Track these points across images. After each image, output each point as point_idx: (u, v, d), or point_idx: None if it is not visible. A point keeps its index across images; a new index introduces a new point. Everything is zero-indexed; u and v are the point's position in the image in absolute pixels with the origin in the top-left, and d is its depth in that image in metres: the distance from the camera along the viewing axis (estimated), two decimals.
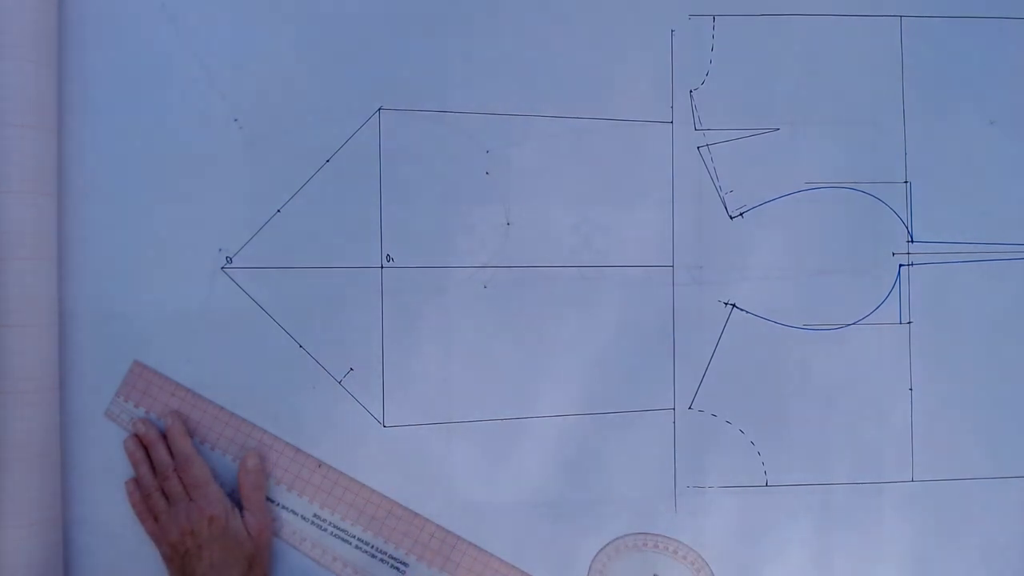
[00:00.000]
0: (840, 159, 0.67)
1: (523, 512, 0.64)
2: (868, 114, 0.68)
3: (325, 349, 0.62)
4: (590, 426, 0.65)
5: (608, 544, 0.65)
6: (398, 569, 0.63)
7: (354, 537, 0.63)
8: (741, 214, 0.67)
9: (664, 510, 0.66)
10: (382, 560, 0.63)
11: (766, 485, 0.67)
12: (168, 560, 0.59)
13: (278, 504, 0.62)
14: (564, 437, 0.65)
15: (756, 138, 0.67)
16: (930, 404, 0.68)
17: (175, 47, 0.61)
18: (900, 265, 0.68)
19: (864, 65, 0.68)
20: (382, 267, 0.63)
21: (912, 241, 0.68)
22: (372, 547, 0.63)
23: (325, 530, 0.62)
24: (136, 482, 0.60)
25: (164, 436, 0.60)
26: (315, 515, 0.62)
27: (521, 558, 0.64)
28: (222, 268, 0.61)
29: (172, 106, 0.61)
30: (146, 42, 0.61)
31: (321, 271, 0.62)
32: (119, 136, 0.60)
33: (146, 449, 0.60)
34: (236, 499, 0.61)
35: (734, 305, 0.67)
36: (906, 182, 0.68)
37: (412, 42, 0.63)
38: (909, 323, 0.68)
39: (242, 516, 0.60)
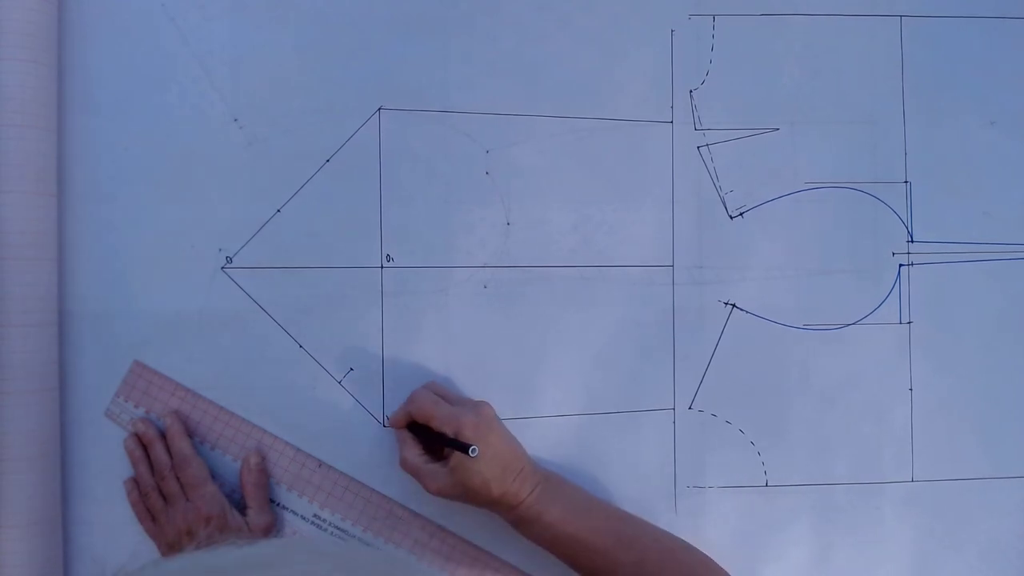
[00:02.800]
0: (840, 159, 0.67)
1: None
2: (868, 114, 0.68)
3: (325, 349, 0.62)
4: (590, 426, 0.65)
5: None
6: None
7: (354, 537, 0.63)
8: (741, 214, 0.67)
9: (664, 510, 0.66)
10: None
11: (766, 485, 0.67)
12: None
13: (278, 504, 0.62)
14: (564, 437, 0.65)
15: (756, 138, 0.67)
16: (930, 404, 0.68)
17: (175, 47, 0.61)
18: (900, 265, 0.68)
19: (864, 65, 0.68)
20: (382, 267, 0.63)
21: (912, 241, 0.68)
22: (372, 547, 0.63)
23: (325, 530, 0.62)
24: (135, 481, 0.60)
25: (164, 436, 0.60)
26: (315, 515, 0.62)
27: (521, 558, 0.64)
28: (222, 268, 0.61)
29: (172, 106, 0.61)
30: (146, 42, 0.61)
31: (321, 271, 0.62)
32: (119, 136, 0.60)
33: (145, 448, 0.60)
34: (237, 499, 0.61)
35: (734, 305, 0.67)
36: (906, 182, 0.68)
37: (412, 42, 0.63)
38: (909, 323, 0.68)
39: (245, 515, 0.60)
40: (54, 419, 0.59)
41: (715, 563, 0.57)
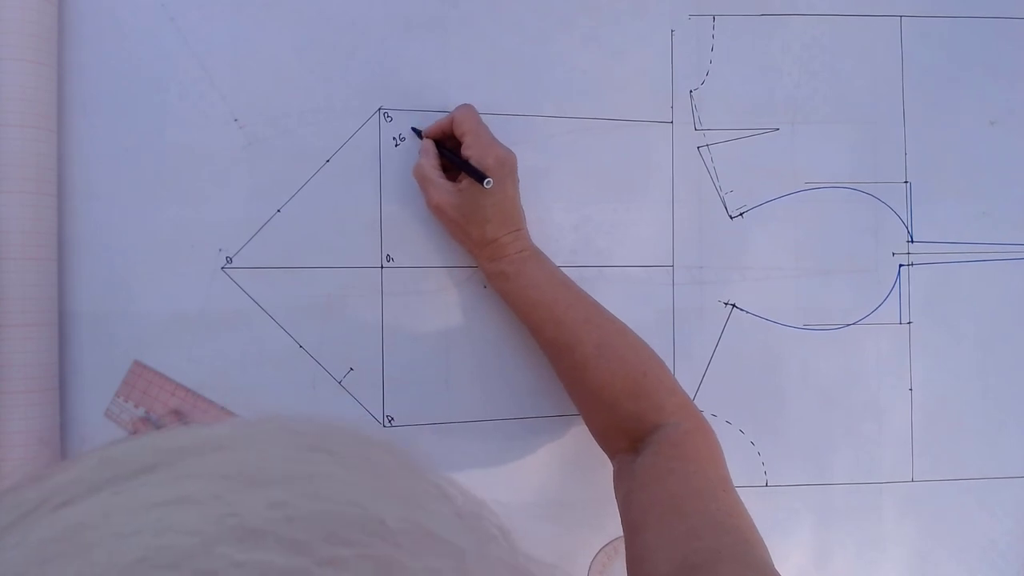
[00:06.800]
0: (840, 159, 0.67)
1: (523, 512, 0.64)
2: (868, 114, 0.68)
3: (325, 349, 0.62)
4: None
5: (608, 544, 0.65)
6: None
7: None
8: (741, 214, 0.67)
9: None
10: None
11: (766, 485, 0.67)
12: None
13: None
14: (564, 436, 0.65)
15: (756, 138, 0.67)
16: (930, 404, 0.68)
17: (175, 47, 0.61)
18: (900, 265, 0.68)
19: (864, 65, 0.68)
20: (382, 267, 0.63)
21: (912, 241, 0.68)
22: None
23: None
24: None
25: None
26: None
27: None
28: (222, 268, 0.61)
29: (172, 106, 0.61)
30: (146, 42, 0.61)
31: (321, 271, 0.62)
32: (119, 136, 0.60)
33: None
34: None
35: (734, 305, 0.67)
36: (906, 182, 0.68)
37: (412, 42, 0.63)
38: (909, 323, 0.68)
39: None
40: (54, 419, 0.58)
41: (666, 370, 0.58)
